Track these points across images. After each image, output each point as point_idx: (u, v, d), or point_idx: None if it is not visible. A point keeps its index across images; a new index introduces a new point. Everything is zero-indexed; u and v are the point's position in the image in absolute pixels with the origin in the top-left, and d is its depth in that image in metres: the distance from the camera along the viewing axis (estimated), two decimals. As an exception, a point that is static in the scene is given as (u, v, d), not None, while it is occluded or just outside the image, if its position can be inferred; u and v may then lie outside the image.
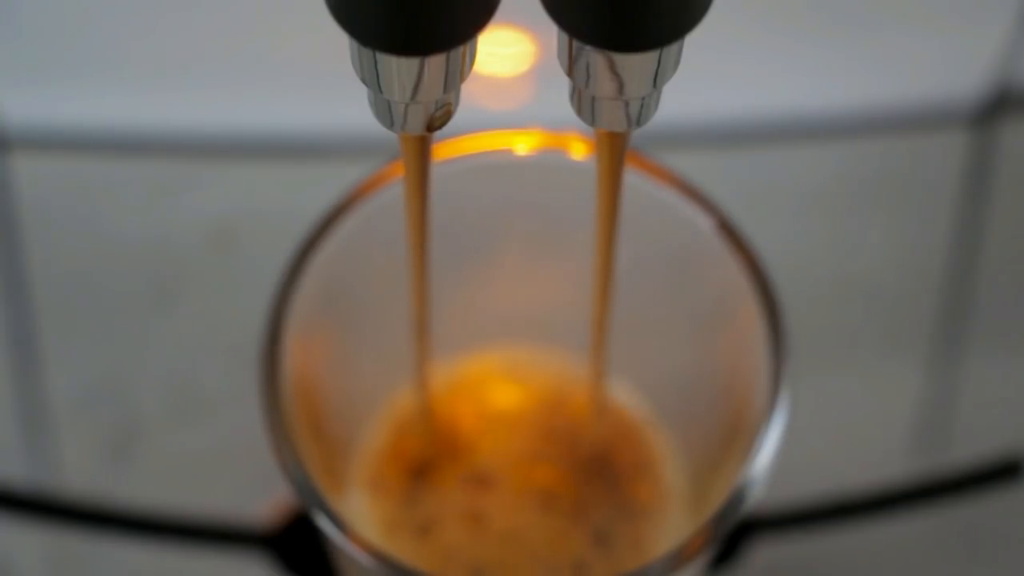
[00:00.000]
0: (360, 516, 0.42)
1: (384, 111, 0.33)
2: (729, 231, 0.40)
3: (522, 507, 0.42)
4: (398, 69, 0.31)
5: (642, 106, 0.32)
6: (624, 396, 0.44)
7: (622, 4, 0.29)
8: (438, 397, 0.44)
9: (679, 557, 0.36)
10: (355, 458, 0.43)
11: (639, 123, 0.33)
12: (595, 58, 0.31)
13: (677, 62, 0.32)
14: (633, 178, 0.39)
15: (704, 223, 0.40)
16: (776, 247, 0.44)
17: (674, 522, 0.42)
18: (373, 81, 0.31)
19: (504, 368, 0.44)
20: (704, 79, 0.53)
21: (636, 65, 0.31)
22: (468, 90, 0.33)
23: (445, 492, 0.43)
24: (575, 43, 0.31)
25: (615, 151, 0.35)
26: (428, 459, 0.43)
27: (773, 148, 0.58)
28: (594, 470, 0.43)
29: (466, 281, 0.43)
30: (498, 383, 0.44)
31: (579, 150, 0.41)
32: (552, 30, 0.31)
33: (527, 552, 0.42)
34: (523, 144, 0.41)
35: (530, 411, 0.44)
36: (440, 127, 0.33)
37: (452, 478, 0.43)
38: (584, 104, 0.33)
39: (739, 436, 0.39)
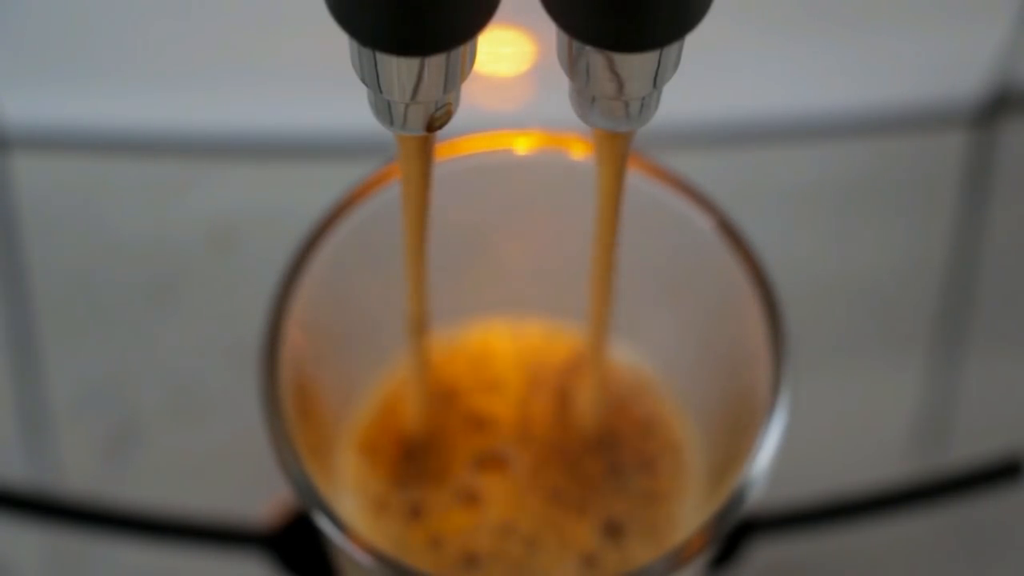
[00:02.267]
0: (349, 494, 0.42)
1: (384, 111, 0.33)
2: (729, 231, 0.40)
3: (525, 492, 0.42)
4: (398, 69, 0.31)
5: (642, 106, 0.32)
6: (636, 375, 0.44)
7: (622, 4, 0.29)
8: (436, 376, 0.43)
9: (679, 557, 0.36)
10: (345, 434, 0.42)
11: (639, 123, 0.33)
12: (595, 58, 0.31)
13: (677, 62, 0.32)
14: (633, 178, 0.39)
15: (704, 223, 0.40)
16: (776, 247, 0.44)
17: (690, 511, 0.42)
18: (373, 81, 0.31)
19: (507, 349, 0.44)
20: (704, 79, 0.53)
21: (636, 65, 0.31)
22: (468, 90, 0.33)
23: (439, 472, 0.42)
24: (575, 43, 0.31)
25: (615, 151, 0.35)
26: (423, 437, 0.42)
27: (773, 148, 0.58)
28: (605, 454, 0.42)
29: (465, 282, 0.43)
30: (499, 365, 0.44)
31: (579, 150, 0.41)
32: (552, 30, 0.31)
33: (527, 542, 0.41)
34: (523, 144, 0.41)
35: (532, 396, 0.43)
36: (440, 127, 0.33)
37: (449, 458, 0.42)
38: (584, 104, 0.33)
39: (741, 435, 0.39)
